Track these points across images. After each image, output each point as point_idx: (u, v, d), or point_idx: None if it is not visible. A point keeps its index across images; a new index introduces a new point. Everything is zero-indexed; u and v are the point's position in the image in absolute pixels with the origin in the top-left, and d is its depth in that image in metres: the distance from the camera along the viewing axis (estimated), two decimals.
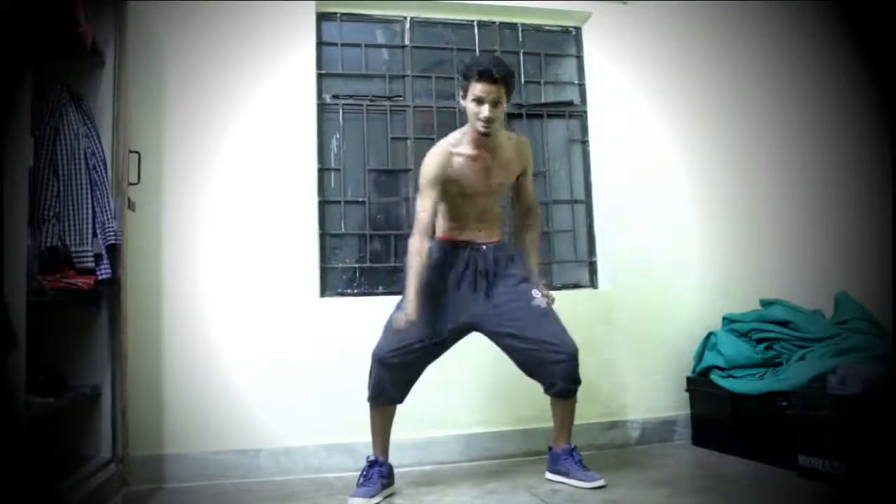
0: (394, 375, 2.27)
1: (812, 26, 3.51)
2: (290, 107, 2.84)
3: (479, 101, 2.24)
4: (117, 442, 2.23)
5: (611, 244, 3.14)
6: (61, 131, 2.02)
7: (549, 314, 2.33)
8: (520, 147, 2.46)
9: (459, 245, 2.37)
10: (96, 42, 2.16)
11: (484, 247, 2.37)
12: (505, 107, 2.32)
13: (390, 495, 2.29)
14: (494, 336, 2.34)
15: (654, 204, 3.18)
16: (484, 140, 2.31)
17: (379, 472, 2.28)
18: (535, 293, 2.34)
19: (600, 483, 2.29)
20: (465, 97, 2.29)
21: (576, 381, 2.32)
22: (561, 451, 2.40)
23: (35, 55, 1.72)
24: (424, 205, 2.28)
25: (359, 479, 2.28)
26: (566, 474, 2.36)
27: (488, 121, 2.24)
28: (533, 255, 2.51)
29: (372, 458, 2.31)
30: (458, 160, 2.32)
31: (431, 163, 2.31)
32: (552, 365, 2.28)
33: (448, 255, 2.35)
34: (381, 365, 2.26)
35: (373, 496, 2.21)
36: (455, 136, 2.38)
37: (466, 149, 2.33)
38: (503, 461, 2.76)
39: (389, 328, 2.28)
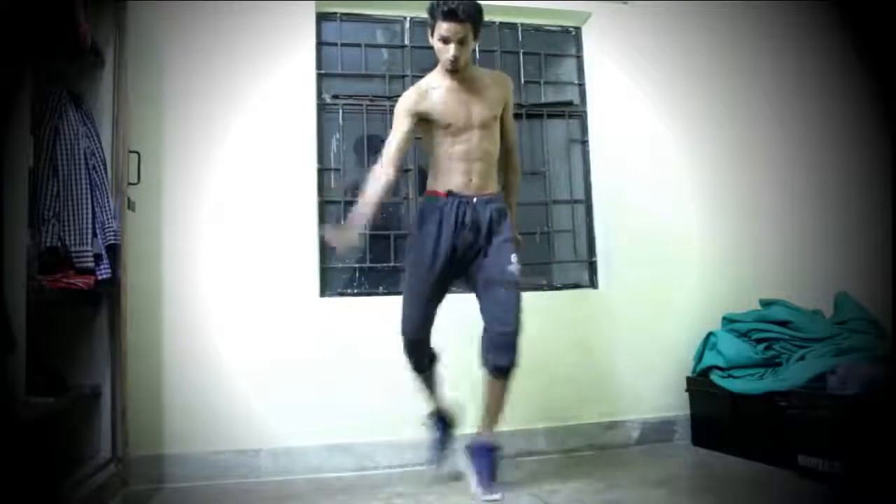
0: (419, 342, 2.34)
1: (812, 26, 3.51)
2: (290, 107, 2.84)
3: (445, 40, 2.24)
4: (117, 442, 2.22)
5: (611, 244, 3.14)
6: (61, 131, 2.02)
7: (514, 285, 2.27)
8: (499, 79, 2.45)
9: (447, 197, 2.31)
10: (96, 42, 2.16)
11: (475, 199, 2.31)
12: (473, 44, 2.31)
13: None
14: (468, 281, 2.38)
15: (654, 204, 3.18)
16: (458, 74, 2.32)
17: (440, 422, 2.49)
18: (513, 258, 2.30)
19: (495, 497, 2.19)
20: (432, 35, 2.30)
21: (508, 361, 2.23)
22: (481, 444, 2.31)
23: (35, 55, 1.73)
24: (394, 136, 2.30)
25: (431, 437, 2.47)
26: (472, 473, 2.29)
27: (455, 60, 2.25)
28: (511, 195, 2.50)
29: (433, 412, 2.49)
30: (434, 93, 2.33)
31: (405, 97, 2.35)
32: (493, 336, 2.25)
33: (436, 210, 2.31)
34: (406, 340, 2.33)
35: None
36: (430, 75, 2.41)
37: (442, 82, 2.34)
38: (503, 461, 2.75)
39: (405, 305, 2.33)
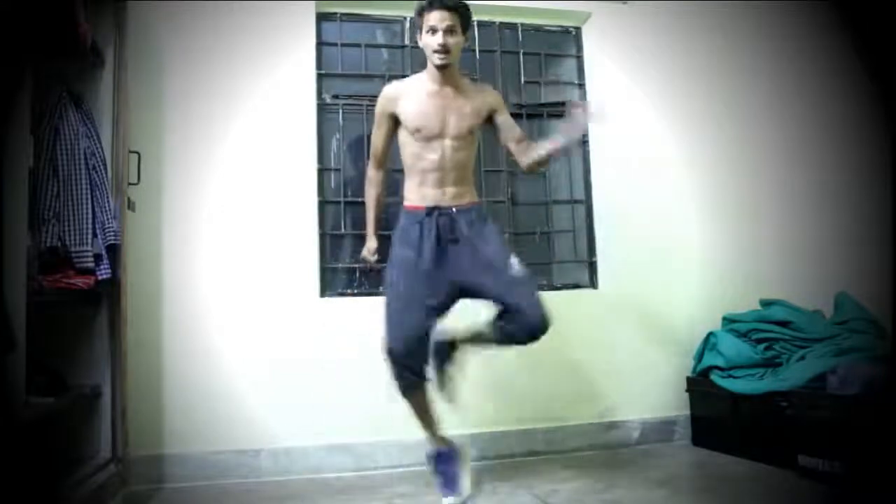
0: (409, 362, 2.20)
1: (812, 26, 3.51)
2: (290, 107, 2.84)
3: (433, 30, 2.21)
4: (117, 442, 2.23)
5: (611, 244, 3.14)
6: (61, 131, 2.02)
7: (526, 281, 2.23)
8: (484, 89, 2.42)
9: (425, 212, 2.25)
10: (96, 42, 2.16)
11: (453, 210, 2.25)
12: (462, 41, 2.26)
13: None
14: (473, 297, 2.23)
15: (654, 204, 3.18)
16: (442, 78, 2.27)
17: (448, 457, 2.28)
18: (513, 260, 2.24)
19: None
20: (420, 34, 2.27)
21: (542, 328, 2.16)
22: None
23: (35, 55, 1.73)
24: (374, 138, 2.38)
25: (437, 479, 2.27)
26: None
27: (444, 49, 2.20)
28: (537, 148, 2.31)
29: (433, 451, 2.30)
30: (412, 94, 2.29)
31: (380, 98, 2.33)
32: (521, 317, 2.14)
33: (416, 224, 2.25)
34: (394, 361, 2.20)
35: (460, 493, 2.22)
36: (414, 76, 2.38)
37: (423, 85, 2.30)
38: (503, 461, 2.76)
39: (385, 318, 2.22)
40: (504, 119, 2.39)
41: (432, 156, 2.27)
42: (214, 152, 2.74)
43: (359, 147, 3.02)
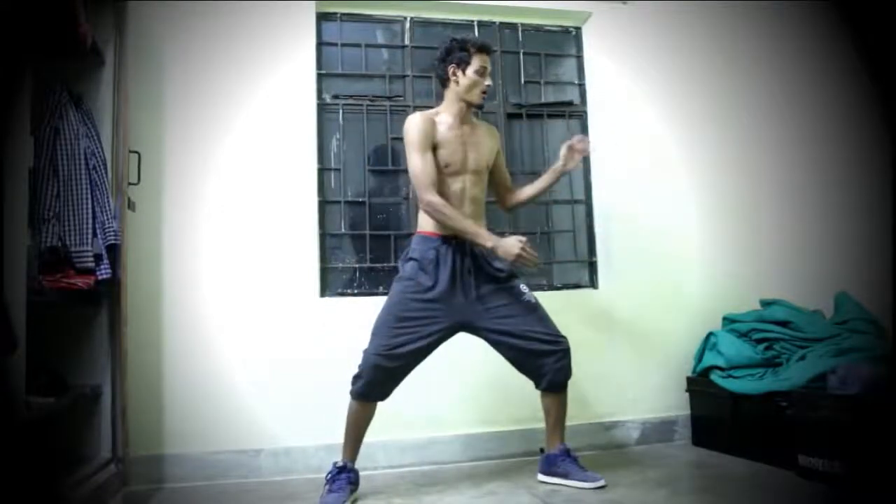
0: (384, 375, 2.23)
1: (812, 26, 3.51)
2: (290, 107, 2.84)
3: (483, 71, 2.34)
4: (117, 442, 2.23)
5: (611, 244, 3.14)
6: (61, 131, 2.02)
7: (538, 308, 2.35)
8: (491, 131, 2.53)
9: (442, 240, 2.30)
10: (96, 42, 2.16)
11: (467, 242, 2.30)
12: None
13: (355, 500, 2.25)
14: (486, 334, 2.31)
15: (654, 204, 3.18)
16: (462, 115, 2.38)
17: (348, 479, 2.24)
18: (524, 288, 2.35)
19: (601, 483, 2.29)
20: (462, 71, 2.33)
21: (567, 374, 2.33)
22: (557, 452, 2.39)
23: (35, 55, 1.73)
24: (425, 163, 2.26)
25: (326, 484, 2.24)
26: (565, 476, 2.35)
27: (489, 89, 2.38)
28: (526, 189, 2.55)
29: (341, 463, 2.27)
30: (440, 128, 2.35)
31: (417, 124, 2.31)
32: (544, 357, 2.29)
33: (432, 252, 2.28)
34: (374, 367, 2.21)
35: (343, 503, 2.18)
36: (434, 110, 2.42)
37: (444, 120, 2.37)
38: (503, 461, 2.76)
39: (380, 330, 2.25)
40: (501, 160, 2.55)
41: (454, 189, 2.35)
42: (214, 152, 2.74)
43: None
